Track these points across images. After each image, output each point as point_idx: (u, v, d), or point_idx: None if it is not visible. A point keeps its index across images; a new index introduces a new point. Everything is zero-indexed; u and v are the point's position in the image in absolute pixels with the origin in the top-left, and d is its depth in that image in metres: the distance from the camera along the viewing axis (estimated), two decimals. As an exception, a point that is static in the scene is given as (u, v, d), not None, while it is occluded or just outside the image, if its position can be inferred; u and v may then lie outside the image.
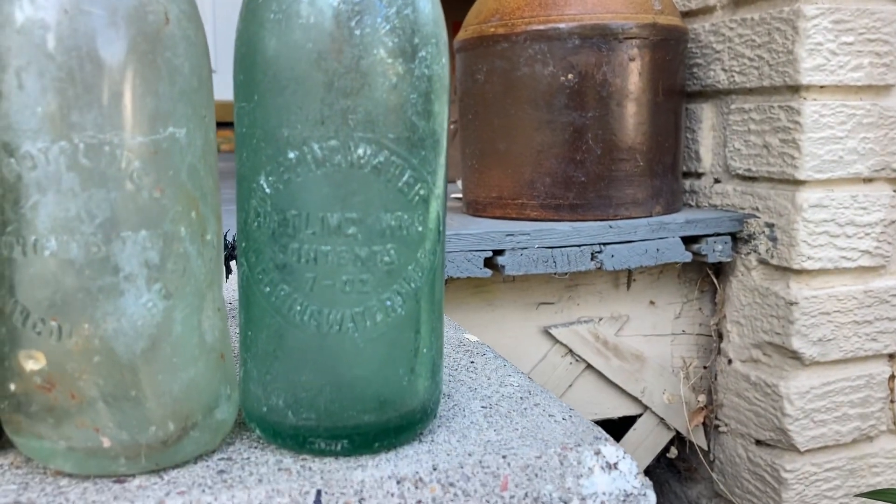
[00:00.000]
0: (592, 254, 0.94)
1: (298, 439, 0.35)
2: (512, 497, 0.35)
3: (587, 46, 0.94)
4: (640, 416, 1.06)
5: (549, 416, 0.41)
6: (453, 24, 1.59)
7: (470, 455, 0.36)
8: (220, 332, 0.36)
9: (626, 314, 1.04)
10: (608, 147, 0.95)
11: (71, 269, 0.31)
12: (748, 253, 1.01)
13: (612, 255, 0.95)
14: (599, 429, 0.39)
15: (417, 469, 0.35)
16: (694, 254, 1.00)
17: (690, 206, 1.10)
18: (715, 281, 1.06)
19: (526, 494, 0.35)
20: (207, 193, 0.35)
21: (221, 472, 0.35)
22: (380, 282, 0.34)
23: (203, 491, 0.33)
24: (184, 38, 0.33)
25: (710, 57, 1.05)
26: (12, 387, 0.33)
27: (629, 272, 1.04)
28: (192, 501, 0.32)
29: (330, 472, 0.35)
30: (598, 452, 0.37)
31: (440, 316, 0.38)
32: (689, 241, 1.00)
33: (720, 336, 1.07)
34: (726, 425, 1.07)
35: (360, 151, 0.33)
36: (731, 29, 1.01)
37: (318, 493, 0.33)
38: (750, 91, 0.99)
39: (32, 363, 0.32)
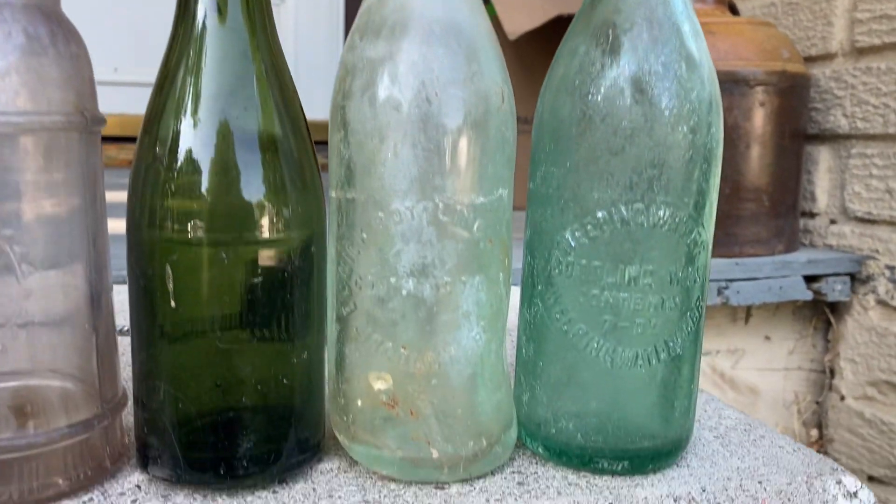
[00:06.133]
0: (719, 289, 0.98)
1: (584, 458, 0.41)
2: (769, 518, 0.40)
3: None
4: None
5: (780, 447, 0.45)
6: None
7: (729, 479, 0.41)
8: (507, 361, 0.42)
9: (742, 348, 1.08)
10: (736, 187, 1.00)
11: (423, 307, 0.37)
12: (866, 293, 1.04)
13: (738, 292, 0.99)
14: (832, 461, 0.44)
15: (689, 489, 0.40)
16: (814, 292, 1.03)
17: (805, 244, 1.13)
18: (831, 319, 1.09)
19: (780, 516, 0.40)
20: (511, 243, 0.41)
21: (520, 483, 0.40)
22: (666, 325, 0.39)
23: (515, 499, 0.38)
24: (511, 112, 0.39)
25: (830, 102, 1.09)
26: (359, 402, 0.39)
27: (748, 307, 1.07)
28: (507, 508, 0.38)
29: (614, 488, 0.40)
30: (839, 482, 0.42)
31: (700, 354, 0.43)
32: (809, 279, 1.03)
33: (832, 373, 1.10)
34: (837, 460, 1.09)
35: (661, 213, 0.38)
36: (855, 77, 1.05)
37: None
38: (873, 137, 1.03)
39: (381, 383, 0.38)
